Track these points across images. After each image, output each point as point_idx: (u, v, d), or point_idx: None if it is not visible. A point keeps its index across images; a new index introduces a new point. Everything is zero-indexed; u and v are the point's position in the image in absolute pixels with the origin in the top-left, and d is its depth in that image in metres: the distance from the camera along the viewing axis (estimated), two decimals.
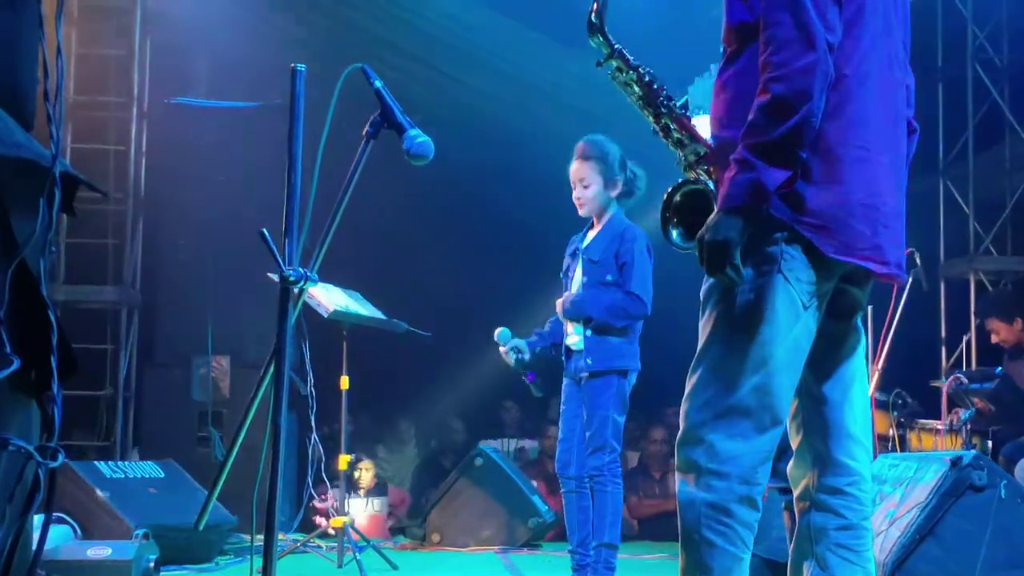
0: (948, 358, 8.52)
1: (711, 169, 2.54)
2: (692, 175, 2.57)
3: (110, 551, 4.90)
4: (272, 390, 2.72)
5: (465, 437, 10.07)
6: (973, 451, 5.07)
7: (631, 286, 4.82)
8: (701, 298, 2.57)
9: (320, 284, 5.92)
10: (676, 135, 2.59)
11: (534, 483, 7.93)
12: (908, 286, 7.17)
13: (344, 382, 5.87)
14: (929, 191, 8.90)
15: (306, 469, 6.29)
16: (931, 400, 7.82)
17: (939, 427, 6.68)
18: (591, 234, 5.00)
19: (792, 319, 2.47)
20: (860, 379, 2.67)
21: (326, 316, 5.70)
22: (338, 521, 5.73)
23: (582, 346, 4.86)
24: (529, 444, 9.86)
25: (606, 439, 4.75)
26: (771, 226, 2.45)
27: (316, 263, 2.83)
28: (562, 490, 4.96)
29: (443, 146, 8.57)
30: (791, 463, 2.67)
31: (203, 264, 7.66)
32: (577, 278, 4.97)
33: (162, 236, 8.10)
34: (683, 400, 2.54)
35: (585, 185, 4.93)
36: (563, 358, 5.03)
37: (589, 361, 4.81)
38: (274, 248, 2.67)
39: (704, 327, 2.55)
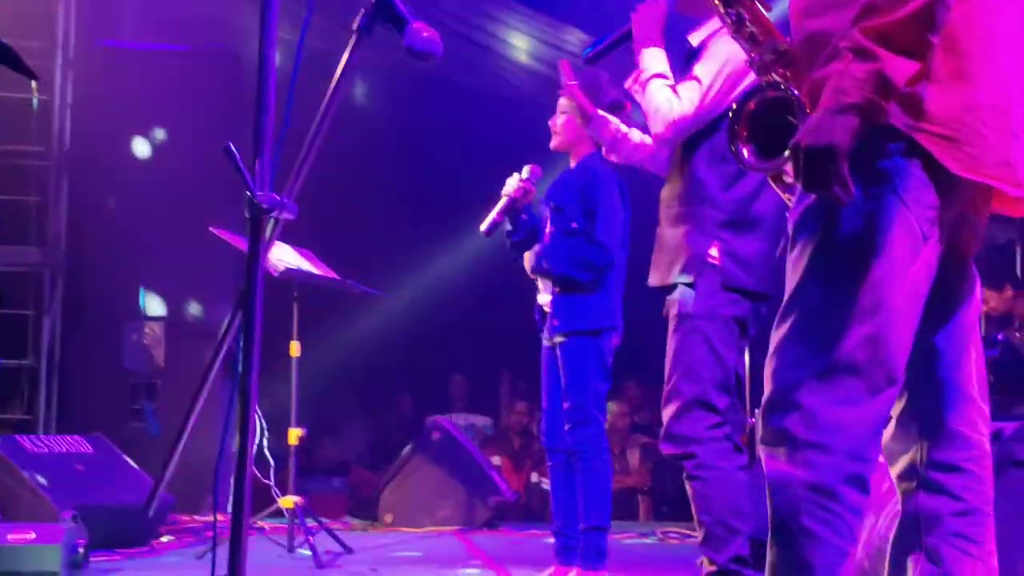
0: None
1: (789, 73, 2.06)
2: (767, 80, 2.08)
3: (34, 535, 4.39)
4: (237, 348, 2.22)
5: (413, 413, 9.61)
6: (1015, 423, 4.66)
7: (596, 232, 4.33)
8: (790, 227, 2.08)
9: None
10: (749, 28, 2.11)
11: (496, 460, 7.46)
12: None
13: (294, 348, 5.36)
14: None
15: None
16: None
17: None
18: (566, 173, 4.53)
19: (910, 253, 1.99)
20: (976, 331, 2.19)
21: (276, 275, 5.16)
22: (288, 501, 5.22)
23: (550, 307, 4.39)
24: (480, 420, 9.40)
25: (587, 411, 4.28)
26: (883, 136, 1.96)
27: (295, 190, 2.32)
28: (548, 464, 4.49)
29: (388, 106, 8.04)
30: (888, 433, 2.18)
31: (135, 223, 7.06)
32: (548, 229, 4.49)
33: (89, 193, 7.45)
34: (769, 356, 2.05)
35: (562, 111, 4.43)
36: (537, 318, 4.54)
37: (556, 323, 4.34)
38: (243, 166, 2.16)
39: (796, 264, 2.05)
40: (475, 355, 9.75)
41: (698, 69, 3.45)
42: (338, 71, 2.35)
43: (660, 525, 7.12)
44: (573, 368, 4.28)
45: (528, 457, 8.62)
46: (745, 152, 2.09)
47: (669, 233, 3.52)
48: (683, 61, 3.58)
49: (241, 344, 2.24)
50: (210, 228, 5.31)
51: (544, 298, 4.45)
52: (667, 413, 3.41)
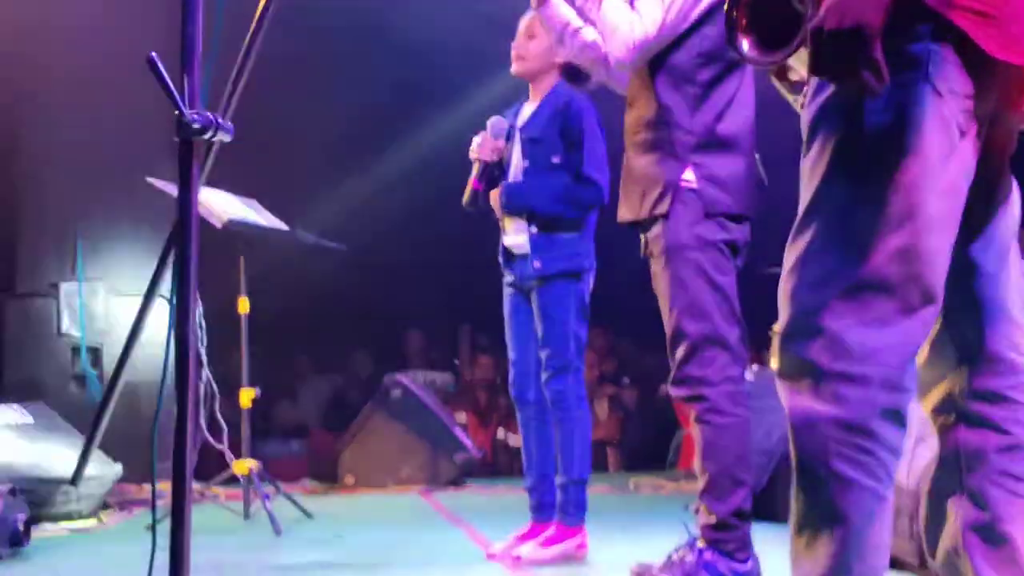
0: None
1: None
2: None
3: None
4: (172, 296, 1.92)
5: (371, 371, 9.31)
6: None
7: (584, 167, 4.02)
8: (805, 127, 1.79)
9: (211, 190, 5.09)
10: None
11: (460, 417, 7.19)
12: None
13: (243, 304, 5.05)
14: None
15: (197, 410, 5.44)
16: None
17: None
18: (527, 108, 4.18)
19: (946, 150, 1.70)
20: (1015, 243, 1.92)
21: (219, 226, 4.82)
22: (242, 466, 4.93)
23: (528, 247, 4.07)
24: (440, 377, 9.11)
25: (568, 358, 3.99)
26: (911, 16, 1.67)
27: (229, 108, 2.01)
28: (519, 418, 4.20)
29: (341, 59, 7.60)
30: (920, 359, 1.88)
31: (68, 178, 6.67)
32: (516, 163, 4.13)
33: (18, 148, 7.03)
34: (784, 276, 1.77)
35: (531, 35, 4.09)
36: (501, 261, 4.22)
37: (537, 264, 4.00)
38: (168, 81, 1.84)
39: (813, 168, 1.76)
40: (432, 309, 9.46)
41: None
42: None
43: (631, 476, 6.90)
44: (554, 313, 3.99)
45: (494, 412, 8.36)
46: (745, 44, 1.78)
47: (638, 162, 3.24)
48: None
49: (175, 288, 1.94)
50: (147, 179, 4.95)
51: (515, 239, 4.12)
52: (676, 356, 3.14)
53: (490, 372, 8.77)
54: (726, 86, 3.19)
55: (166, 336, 1.96)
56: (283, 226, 5.30)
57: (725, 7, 1.80)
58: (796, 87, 1.95)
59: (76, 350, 6.75)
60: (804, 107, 1.80)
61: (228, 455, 5.13)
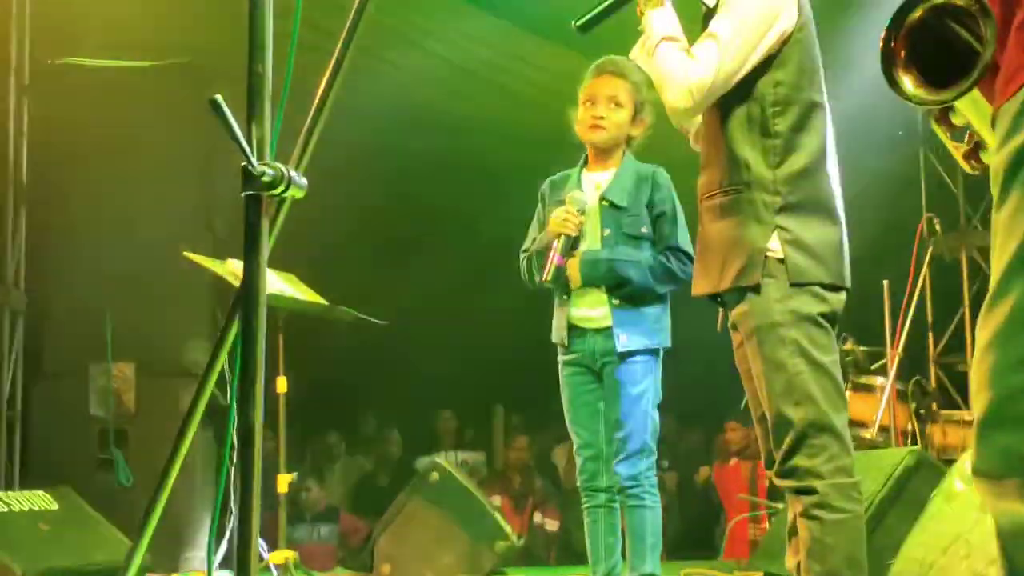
0: (936, 344, 7.75)
1: None
2: None
3: None
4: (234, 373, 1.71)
5: (400, 451, 9.05)
6: None
7: (677, 241, 3.84)
8: (998, 171, 1.55)
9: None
10: None
11: (495, 500, 6.90)
12: (928, 258, 6.43)
13: (282, 383, 4.81)
14: (909, 161, 8.17)
15: (229, 494, 5.19)
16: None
17: (968, 417, 5.82)
18: (599, 175, 3.99)
19: None
20: None
21: None
22: (279, 556, 4.66)
23: (604, 320, 3.84)
24: (473, 457, 8.85)
25: (645, 441, 3.78)
26: None
27: (303, 160, 1.80)
28: (586, 506, 3.93)
29: (374, 132, 7.47)
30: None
31: (100, 256, 6.49)
32: (594, 230, 3.93)
33: (50, 226, 6.87)
34: (980, 352, 1.52)
35: (618, 104, 3.91)
36: (562, 337, 3.97)
37: (624, 339, 3.80)
38: (234, 124, 1.63)
39: (1012, 222, 1.53)
40: (464, 388, 9.22)
41: (714, 24, 2.90)
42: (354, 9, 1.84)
43: (679, 566, 6.57)
44: (633, 392, 3.77)
45: (529, 496, 8.07)
46: (908, 82, 1.56)
47: (714, 229, 2.96)
48: (699, 24, 3.06)
49: (237, 367, 1.72)
50: (184, 253, 4.75)
51: (589, 311, 3.89)
52: (781, 445, 2.83)
53: (525, 454, 8.51)
54: (808, 137, 2.91)
55: (227, 418, 1.75)
56: (323, 301, 5.08)
57: (881, 39, 1.58)
58: (958, 133, 1.72)
59: (104, 432, 6.52)
60: (995, 150, 1.55)
61: (263, 545, 4.87)
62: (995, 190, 1.55)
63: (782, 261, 2.84)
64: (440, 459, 7.11)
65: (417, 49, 8.06)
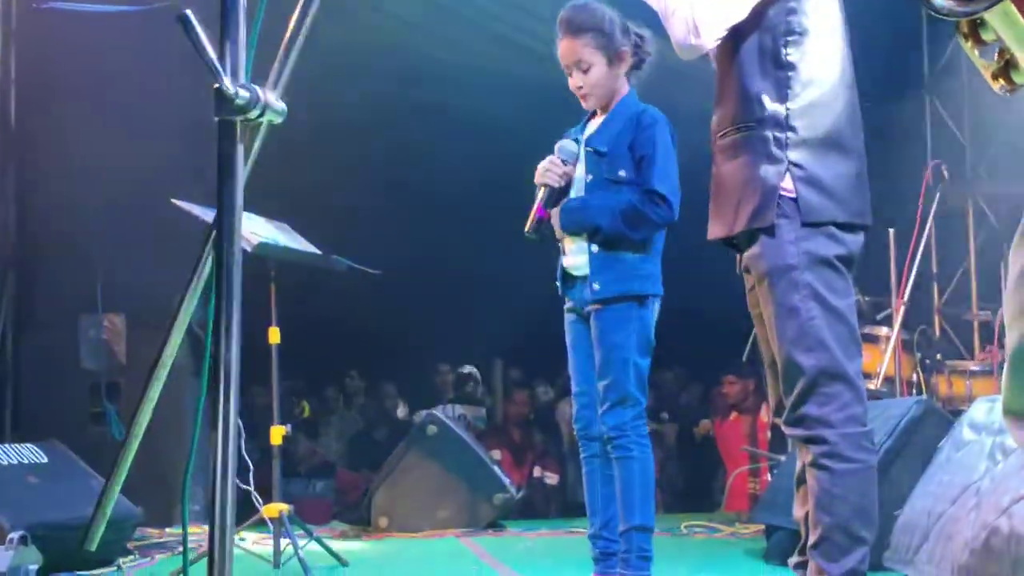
0: (941, 295, 7.64)
1: None
2: None
3: None
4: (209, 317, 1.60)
5: (399, 406, 8.98)
6: None
7: (653, 182, 3.68)
8: None
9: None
10: None
11: (495, 454, 6.83)
12: (934, 207, 6.32)
13: (274, 334, 4.69)
14: (914, 109, 8.04)
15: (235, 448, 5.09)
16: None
17: (973, 368, 5.74)
18: (594, 122, 3.87)
19: None
20: None
21: (249, 250, 4.48)
22: (272, 509, 4.56)
23: (587, 268, 3.74)
24: (471, 412, 8.77)
25: (627, 390, 3.64)
26: None
27: (279, 84, 1.67)
28: (583, 455, 3.83)
29: (371, 84, 7.29)
30: None
31: (90, 207, 6.36)
32: (578, 177, 3.82)
33: (39, 176, 6.74)
34: (1015, 280, 1.41)
35: (584, 69, 3.78)
36: (559, 284, 3.89)
37: (596, 286, 3.67)
38: (204, 42, 1.51)
39: None
40: (463, 341, 9.12)
41: None
42: None
43: (679, 518, 6.51)
44: (612, 340, 3.64)
45: (529, 450, 8.00)
46: None
47: (727, 168, 2.83)
48: None
49: (212, 311, 1.60)
50: (172, 200, 4.62)
51: (575, 259, 3.79)
52: (791, 393, 2.72)
53: (524, 407, 8.43)
54: (824, 68, 2.76)
55: (202, 365, 1.64)
56: (316, 250, 4.96)
57: None
58: (988, 50, 1.59)
59: (96, 386, 6.42)
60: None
61: (256, 498, 4.78)
62: None
63: (795, 200, 2.70)
64: (438, 412, 7.04)
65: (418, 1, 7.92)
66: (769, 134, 2.74)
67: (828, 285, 2.69)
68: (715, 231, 2.90)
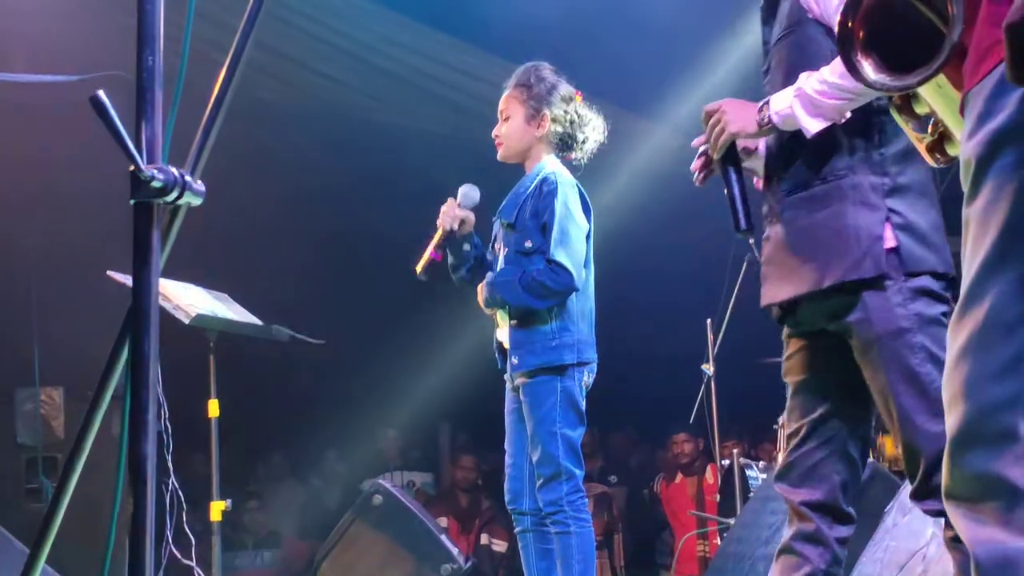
0: None
1: None
2: None
3: None
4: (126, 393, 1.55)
5: (346, 471, 8.85)
6: None
7: (550, 252, 3.66)
8: (969, 161, 1.39)
9: (176, 283, 4.70)
10: None
11: (442, 521, 6.73)
12: None
13: (213, 407, 4.62)
14: None
15: (164, 523, 4.99)
16: None
17: None
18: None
19: None
20: None
21: (187, 323, 4.41)
22: None
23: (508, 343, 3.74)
24: (420, 478, 8.67)
25: (558, 464, 3.61)
26: None
27: (197, 166, 1.63)
28: (516, 529, 3.79)
29: (299, 149, 7.25)
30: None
31: (26, 278, 6.25)
32: (500, 251, 3.85)
33: None
34: (952, 362, 1.38)
35: (505, 118, 3.82)
36: (497, 358, 3.88)
37: (515, 360, 3.69)
38: (118, 124, 1.47)
39: (986, 217, 1.37)
40: (410, 407, 9.04)
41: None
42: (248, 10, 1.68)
43: None
44: (538, 414, 3.62)
45: (477, 517, 7.90)
46: (867, 67, 1.41)
47: (810, 222, 2.62)
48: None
49: (127, 395, 1.55)
50: (108, 272, 4.55)
51: (503, 334, 3.80)
52: (921, 464, 2.53)
53: (472, 473, 8.34)
54: None
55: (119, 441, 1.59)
56: (257, 320, 4.90)
57: (838, 19, 1.43)
58: (922, 123, 1.58)
59: (32, 461, 6.28)
60: (964, 138, 1.41)
61: (198, 573, 4.68)
62: (965, 183, 1.41)
63: (895, 250, 2.54)
64: (385, 481, 6.94)
65: (355, 61, 7.90)
66: (864, 180, 2.59)
67: (940, 343, 2.49)
68: (786, 291, 2.68)
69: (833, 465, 2.69)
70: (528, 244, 3.71)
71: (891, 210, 2.55)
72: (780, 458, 2.86)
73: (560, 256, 3.64)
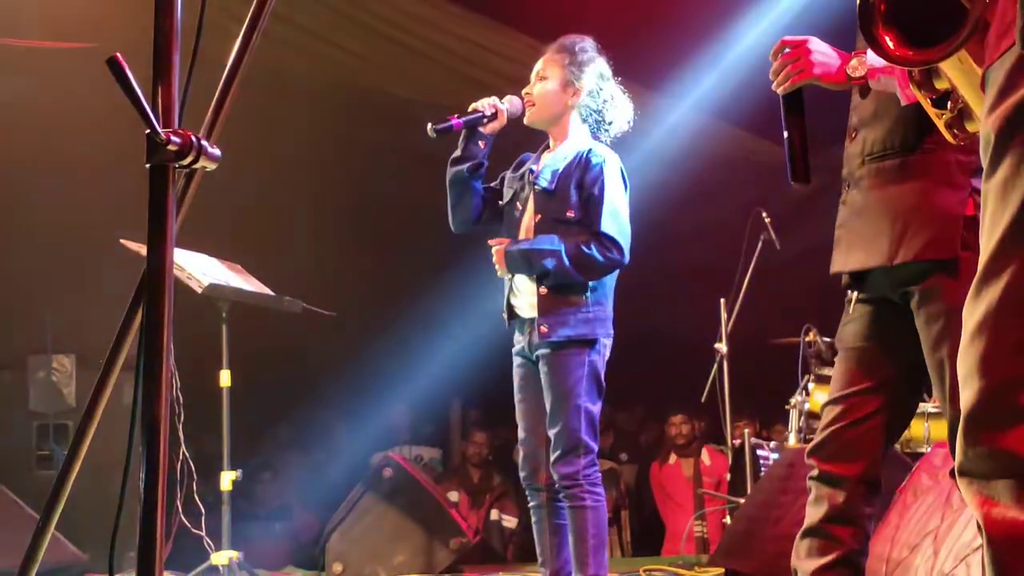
0: None
1: None
2: None
3: None
4: (138, 362, 1.53)
5: (354, 446, 8.86)
6: None
7: (600, 225, 3.63)
8: (990, 134, 1.37)
9: (190, 253, 4.70)
10: None
11: (452, 496, 6.73)
12: None
13: (225, 377, 4.62)
14: None
15: (174, 492, 5.01)
16: None
17: (931, 409, 5.72)
18: (545, 157, 3.83)
19: None
20: None
21: (199, 291, 4.41)
22: (222, 557, 4.47)
23: (534, 310, 3.68)
24: (428, 453, 8.68)
25: (579, 438, 3.59)
26: None
27: (213, 130, 1.62)
28: (530, 504, 3.78)
29: (321, 120, 7.25)
30: None
31: (39, 245, 6.25)
32: (528, 215, 3.78)
33: None
34: (968, 338, 1.36)
35: (543, 77, 3.77)
36: (507, 326, 3.84)
37: (544, 329, 3.62)
38: (135, 86, 1.46)
39: (1007, 190, 1.34)
40: (420, 381, 9.04)
41: None
42: None
43: (637, 563, 6.43)
44: (563, 387, 3.59)
45: (487, 492, 7.91)
46: (889, 40, 1.39)
47: (888, 193, 2.59)
48: None
49: (140, 359, 1.54)
50: (121, 240, 4.55)
51: (523, 300, 3.74)
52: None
53: (483, 448, 8.34)
54: None
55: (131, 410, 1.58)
56: (269, 291, 4.89)
57: None
58: (941, 99, 1.55)
59: (43, 428, 6.29)
60: (985, 113, 1.38)
61: (207, 543, 4.69)
62: (985, 157, 1.38)
63: (974, 220, 2.47)
64: (399, 454, 6.96)
65: (371, 34, 7.87)
66: (952, 158, 2.54)
67: None
68: (859, 260, 2.65)
69: (873, 439, 2.64)
70: (570, 214, 3.67)
71: (976, 190, 2.49)
72: (792, 437, 2.84)
73: (612, 231, 3.63)
